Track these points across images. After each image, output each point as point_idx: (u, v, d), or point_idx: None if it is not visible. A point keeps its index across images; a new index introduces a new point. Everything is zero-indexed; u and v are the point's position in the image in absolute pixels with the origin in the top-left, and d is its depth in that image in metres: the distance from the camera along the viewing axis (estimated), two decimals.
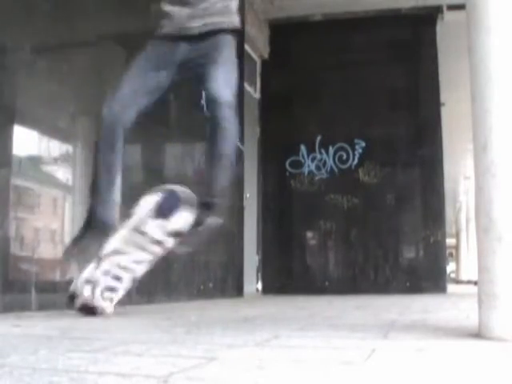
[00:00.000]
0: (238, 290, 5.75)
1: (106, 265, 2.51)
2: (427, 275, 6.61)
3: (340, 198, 6.89)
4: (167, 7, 2.71)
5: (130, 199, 3.91)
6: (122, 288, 2.57)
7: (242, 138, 5.91)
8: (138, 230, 2.60)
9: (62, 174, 3.42)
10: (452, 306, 3.95)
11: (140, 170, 4.18)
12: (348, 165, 6.94)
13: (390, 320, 2.45)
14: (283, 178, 7.04)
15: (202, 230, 2.61)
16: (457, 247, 22.11)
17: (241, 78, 3.02)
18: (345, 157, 6.96)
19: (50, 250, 3.23)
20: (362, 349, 1.45)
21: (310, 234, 7.10)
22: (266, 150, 7.16)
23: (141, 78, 2.67)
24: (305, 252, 7.09)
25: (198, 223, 2.58)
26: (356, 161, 6.92)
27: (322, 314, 3.05)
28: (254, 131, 6.99)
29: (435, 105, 6.89)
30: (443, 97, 7.01)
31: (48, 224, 3.29)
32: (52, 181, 3.40)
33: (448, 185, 8.27)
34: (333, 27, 6.89)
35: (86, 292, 2.46)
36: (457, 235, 21.73)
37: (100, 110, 3.64)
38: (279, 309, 3.08)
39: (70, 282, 3.18)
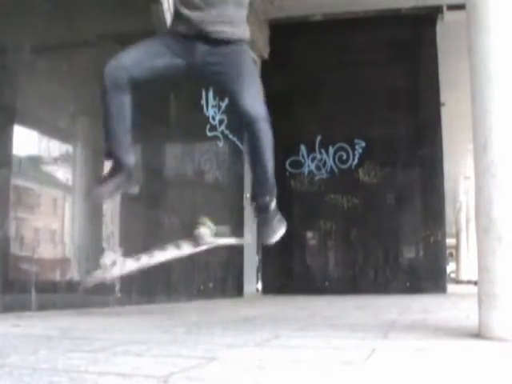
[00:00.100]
0: (237, 290, 5.76)
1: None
2: (427, 275, 6.61)
3: (340, 198, 6.89)
4: (183, 10, 2.76)
5: (130, 198, 3.92)
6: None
7: (242, 138, 5.92)
8: None
9: (62, 173, 3.41)
10: (452, 305, 3.95)
11: (140, 170, 4.18)
12: (348, 165, 6.94)
13: (390, 320, 2.45)
14: (283, 178, 7.03)
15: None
16: (457, 247, 22.10)
17: None
18: (345, 157, 6.96)
19: (49, 250, 3.23)
20: (361, 349, 1.45)
21: (309, 234, 7.10)
22: None
23: (151, 53, 2.75)
24: (305, 252, 7.09)
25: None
26: (356, 161, 6.92)
27: (322, 314, 3.05)
28: None
29: (435, 105, 6.89)
30: (443, 97, 7.00)
31: (48, 224, 3.29)
32: (52, 181, 3.40)
33: (448, 185, 8.27)
34: (333, 27, 6.89)
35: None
36: (457, 235, 21.73)
37: (101, 110, 3.65)
38: (279, 309, 3.08)
39: (70, 282, 3.19)
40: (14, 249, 2.86)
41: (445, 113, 7.15)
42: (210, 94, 5.26)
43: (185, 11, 2.75)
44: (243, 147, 5.95)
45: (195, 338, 1.75)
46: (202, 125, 5.18)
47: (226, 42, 2.75)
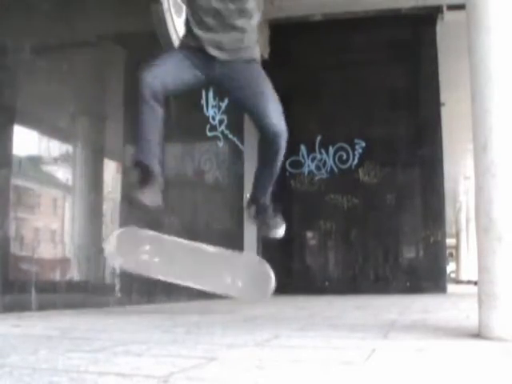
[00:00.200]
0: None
1: None
2: (427, 275, 6.61)
3: (340, 198, 6.89)
4: (196, 30, 2.84)
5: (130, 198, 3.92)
6: None
7: (242, 138, 5.92)
8: None
9: (62, 174, 3.41)
10: (452, 305, 3.95)
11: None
12: (348, 165, 6.94)
13: (390, 320, 2.46)
14: (283, 178, 7.03)
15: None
16: (457, 247, 22.10)
17: None
18: (345, 157, 6.96)
19: (49, 250, 3.23)
20: (361, 349, 1.45)
21: (310, 234, 7.10)
22: None
23: (178, 66, 2.83)
24: (305, 252, 7.09)
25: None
26: (356, 161, 6.92)
27: (322, 314, 3.05)
28: (254, 131, 6.98)
29: (435, 105, 6.89)
30: (443, 97, 7.01)
31: (48, 224, 3.29)
32: (52, 181, 3.40)
33: (448, 185, 8.28)
34: (333, 27, 6.89)
35: None
36: (457, 235, 21.73)
37: (101, 110, 3.65)
38: (279, 309, 3.08)
39: (70, 282, 3.19)
40: (14, 249, 2.86)
41: (445, 113, 7.15)
42: (210, 94, 5.26)
43: (198, 32, 2.83)
44: (241, 147, 5.96)
45: (195, 338, 1.75)
46: (202, 125, 5.18)
47: (241, 63, 2.86)
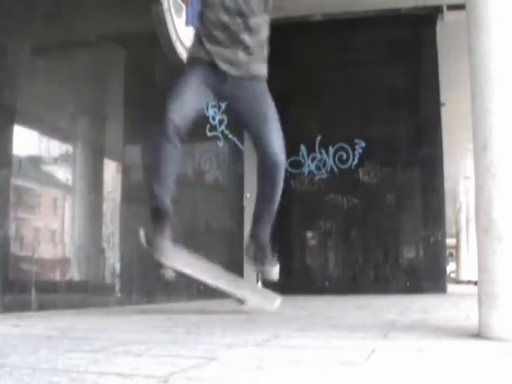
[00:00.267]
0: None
1: None
2: (427, 275, 6.61)
3: (340, 198, 6.89)
4: (207, 44, 2.90)
5: (130, 198, 3.92)
6: None
7: (241, 138, 5.92)
8: None
9: (62, 173, 3.41)
10: (452, 305, 3.95)
11: (140, 170, 4.18)
12: (348, 165, 6.94)
13: (390, 320, 2.45)
14: (283, 178, 7.03)
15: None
16: (457, 247, 22.10)
17: None
18: (345, 157, 6.96)
19: (49, 250, 3.23)
20: (361, 349, 1.45)
21: (310, 234, 7.10)
22: None
23: (196, 93, 2.91)
24: (305, 252, 7.09)
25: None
26: (356, 161, 6.92)
27: (322, 314, 3.05)
28: None
29: (435, 105, 6.89)
30: (443, 97, 7.00)
31: (48, 224, 3.29)
32: (52, 181, 3.40)
33: (448, 185, 8.27)
34: (333, 27, 6.89)
35: None
36: (457, 235, 21.73)
37: (101, 110, 3.65)
38: (279, 309, 3.08)
39: (70, 282, 3.19)
40: (14, 249, 2.86)
41: (445, 113, 7.15)
42: None
43: (208, 45, 2.88)
44: (241, 147, 5.95)
45: (195, 338, 1.76)
46: (202, 125, 5.18)
47: (249, 79, 2.92)
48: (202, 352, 1.40)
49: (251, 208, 6.98)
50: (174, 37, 4.44)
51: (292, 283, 6.74)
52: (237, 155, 5.89)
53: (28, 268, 2.88)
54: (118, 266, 3.70)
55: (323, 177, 6.99)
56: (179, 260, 2.87)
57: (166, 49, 4.40)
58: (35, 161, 3.17)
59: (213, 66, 2.87)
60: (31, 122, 3.08)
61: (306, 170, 7.00)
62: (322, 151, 7.01)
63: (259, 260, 3.07)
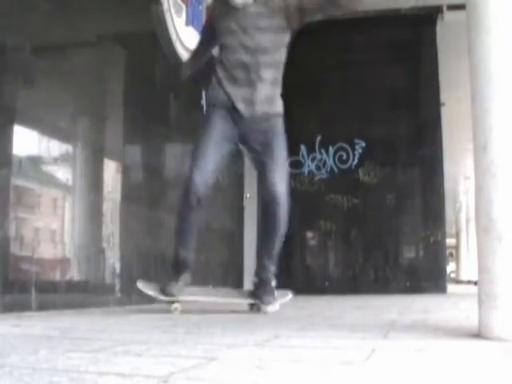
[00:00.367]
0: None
1: None
2: (427, 275, 6.61)
3: (340, 198, 6.89)
4: (226, 85, 2.98)
5: (130, 198, 3.92)
6: None
7: None
8: None
9: (62, 173, 3.41)
10: (452, 305, 3.95)
11: (140, 170, 4.18)
12: (348, 165, 6.93)
13: (390, 320, 2.45)
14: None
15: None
16: (457, 247, 22.10)
17: None
18: (345, 157, 6.96)
19: (49, 250, 3.23)
20: (361, 349, 1.45)
21: (310, 234, 7.10)
22: None
23: (218, 143, 3.01)
24: (305, 252, 7.09)
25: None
26: (356, 161, 6.91)
27: (322, 314, 3.05)
28: None
29: (435, 105, 6.89)
30: (443, 97, 7.00)
31: (48, 224, 3.29)
32: (52, 181, 3.40)
33: (448, 185, 8.27)
34: (333, 27, 6.86)
35: None
36: (457, 235, 21.72)
37: (101, 110, 3.65)
38: (279, 309, 3.08)
39: (70, 282, 3.19)
40: (14, 249, 2.86)
41: (445, 113, 7.15)
42: None
43: (230, 88, 2.96)
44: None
45: (195, 338, 1.76)
46: (202, 125, 5.17)
47: (265, 118, 3.00)
48: (202, 352, 1.40)
49: (251, 208, 7.02)
50: (174, 37, 4.44)
51: (292, 283, 6.73)
52: (237, 155, 5.88)
53: (28, 268, 2.88)
54: (117, 266, 3.70)
55: (323, 177, 6.99)
56: (189, 295, 2.99)
57: (166, 49, 4.40)
58: (35, 161, 3.17)
59: (232, 107, 2.96)
60: (31, 122, 3.08)
61: (306, 170, 7.00)
62: (322, 151, 7.00)
63: (257, 296, 3.08)
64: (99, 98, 3.70)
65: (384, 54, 6.88)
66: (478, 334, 1.67)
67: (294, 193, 6.88)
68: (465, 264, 20.33)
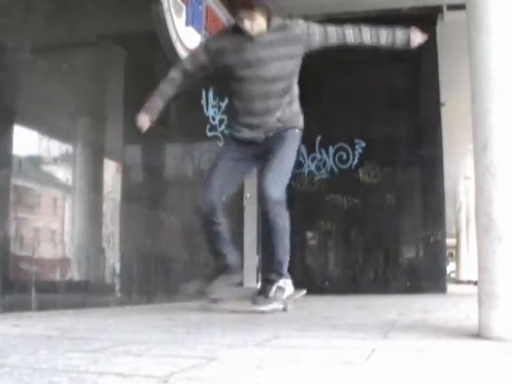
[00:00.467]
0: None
1: None
2: (427, 275, 6.60)
3: (340, 198, 6.89)
4: (245, 118, 3.04)
5: (130, 198, 3.92)
6: None
7: None
8: None
9: (62, 173, 3.42)
10: (452, 305, 3.95)
11: (140, 170, 4.18)
12: (348, 165, 6.93)
13: (390, 320, 2.45)
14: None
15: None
16: (457, 247, 22.09)
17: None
18: (345, 157, 6.96)
19: (49, 250, 3.23)
20: (361, 349, 1.45)
21: (310, 234, 7.10)
22: None
23: (229, 169, 3.09)
24: (305, 252, 7.09)
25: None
26: (356, 161, 6.91)
27: (322, 314, 3.06)
28: None
29: (435, 105, 6.88)
30: (443, 97, 7.00)
31: (48, 224, 3.29)
32: (52, 181, 3.40)
33: (448, 185, 8.27)
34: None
35: None
36: (457, 235, 21.72)
37: (101, 110, 3.65)
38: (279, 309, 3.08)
39: (70, 282, 3.19)
40: (14, 249, 2.86)
41: (445, 113, 7.14)
42: (210, 94, 5.26)
43: (247, 120, 3.02)
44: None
45: (195, 338, 1.76)
46: (202, 125, 5.18)
47: (278, 131, 3.08)
48: (202, 352, 1.40)
49: (251, 208, 7.01)
50: (173, 37, 4.44)
51: (292, 283, 6.73)
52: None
53: (28, 268, 2.88)
54: (118, 265, 3.70)
55: (323, 177, 6.99)
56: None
57: (166, 49, 4.40)
58: (35, 161, 3.17)
59: (249, 138, 3.08)
60: (31, 122, 3.08)
61: (306, 170, 7.00)
62: (322, 151, 7.00)
63: (259, 291, 3.22)
64: (99, 98, 3.70)
65: (384, 54, 6.85)
66: (477, 334, 1.67)
67: (294, 193, 6.95)
68: (465, 264, 20.32)
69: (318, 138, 7.01)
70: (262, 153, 3.10)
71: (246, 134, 3.05)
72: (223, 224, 3.03)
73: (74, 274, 3.35)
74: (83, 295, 3.32)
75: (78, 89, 3.39)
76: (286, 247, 3.04)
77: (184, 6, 4.67)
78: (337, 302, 4.43)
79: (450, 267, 20.12)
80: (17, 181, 2.93)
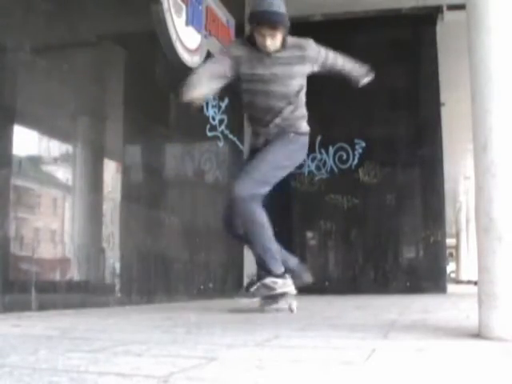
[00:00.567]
0: (238, 290, 5.75)
1: None
2: (427, 275, 6.61)
3: (340, 198, 6.89)
4: (255, 127, 3.12)
5: (130, 198, 3.92)
6: None
7: (241, 138, 5.92)
8: None
9: (62, 173, 3.42)
10: (452, 305, 3.95)
11: (140, 170, 4.18)
12: (348, 165, 6.93)
13: (390, 320, 2.45)
14: (283, 178, 7.02)
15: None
16: (457, 247, 22.10)
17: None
18: (345, 157, 6.96)
19: (49, 250, 3.23)
20: (361, 349, 1.45)
21: (310, 234, 7.10)
22: None
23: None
24: (305, 252, 7.09)
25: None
26: (356, 161, 6.91)
27: (322, 314, 3.06)
28: None
29: (435, 105, 6.89)
30: (443, 97, 7.00)
31: (48, 224, 3.29)
32: (52, 181, 3.40)
33: (448, 185, 8.27)
34: (333, 27, 6.88)
35: None
36: (457, 235, 21.72)
37: (101, 110, 3.65)
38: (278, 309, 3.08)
39: (70, 282, 3.19)
40: (14, 249, 2.86)
41: (445, 113, 7.14)
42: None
43: (257, 128, 3.09)
44: (241, 147, 5.95)
45: (195, 338, 1.76)
46: (202, 125, 5.18)
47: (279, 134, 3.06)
48: (202, 352, 1.40)
49: None
50: (173, 37, 4.44)
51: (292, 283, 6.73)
52: (237, 155, 5.89)
53: (28, 268, 2.88)
54: (117, 266, 3.70)
55: (323, 177, 6.99)
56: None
57: (166, 49, 4.40)
58: (35, 161, 3.17)
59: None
60: (31, 122, 3.08)
61: (306, 170, 6.99)
62: (322, 151, 7.00)
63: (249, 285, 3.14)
64: (99, 97, 3.70)
65: (384, 54, 6.86)
66: (477, 334, 1.68)
67: (294, 193, 6.96)
68: (465, 264, 20.33)
69: (318, 138, 7.00)
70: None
71: (253, 141, 3.19)
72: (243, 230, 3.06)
73: (74, 273, 3.35)
74: (83, 295, 3.33)
75: (77, 89, 3.39)
76: (264, 244, 2.97)
77: (184, 6, 4.67)
78: (337, 302, 4.43)
79: (450, 267, 20.14)
80: (17, 181, 2.93)
